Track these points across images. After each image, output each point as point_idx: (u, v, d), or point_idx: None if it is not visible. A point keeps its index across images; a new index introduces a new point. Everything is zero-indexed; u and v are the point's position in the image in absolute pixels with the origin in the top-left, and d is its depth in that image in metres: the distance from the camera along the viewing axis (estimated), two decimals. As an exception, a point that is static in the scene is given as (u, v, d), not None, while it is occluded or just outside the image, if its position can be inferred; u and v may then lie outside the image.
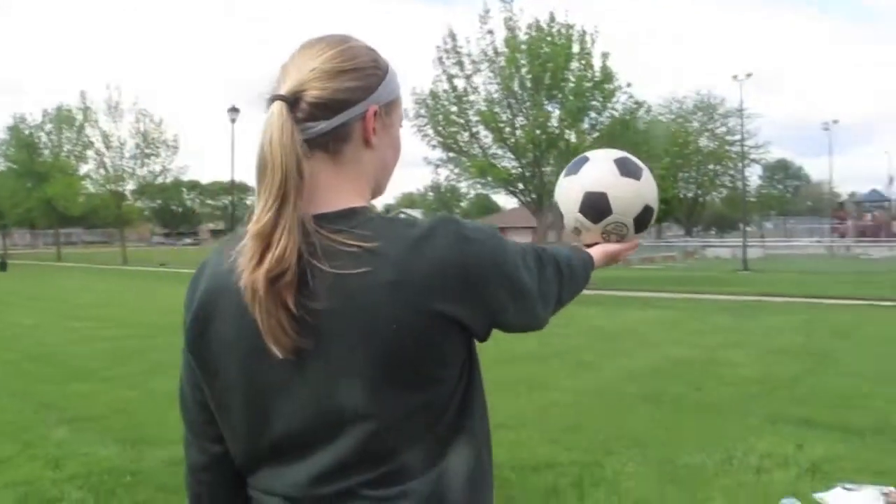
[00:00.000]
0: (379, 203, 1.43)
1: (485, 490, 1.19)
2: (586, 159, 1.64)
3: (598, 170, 1.61)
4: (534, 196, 23.06)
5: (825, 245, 46.82)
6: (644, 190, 1.60)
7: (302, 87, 1.10)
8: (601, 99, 21.60)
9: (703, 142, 54.01)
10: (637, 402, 7.00)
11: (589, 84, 21.32)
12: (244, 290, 1.04)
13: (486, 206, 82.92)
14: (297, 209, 1.05)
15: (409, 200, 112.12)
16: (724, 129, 53.71)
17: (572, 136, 21.74)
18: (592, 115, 21.53)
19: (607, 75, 21.64)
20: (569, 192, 1.63)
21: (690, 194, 56.97)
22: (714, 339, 11.10)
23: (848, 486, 4.66)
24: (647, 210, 1.60)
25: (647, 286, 21.62)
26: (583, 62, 21.25)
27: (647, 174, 1.63)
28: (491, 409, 1.22)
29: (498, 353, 8.15)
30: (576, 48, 21.12)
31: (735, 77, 35.79)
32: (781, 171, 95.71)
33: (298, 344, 1.04)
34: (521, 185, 23.27)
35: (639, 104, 22.39)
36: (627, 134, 21.79)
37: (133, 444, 5.65)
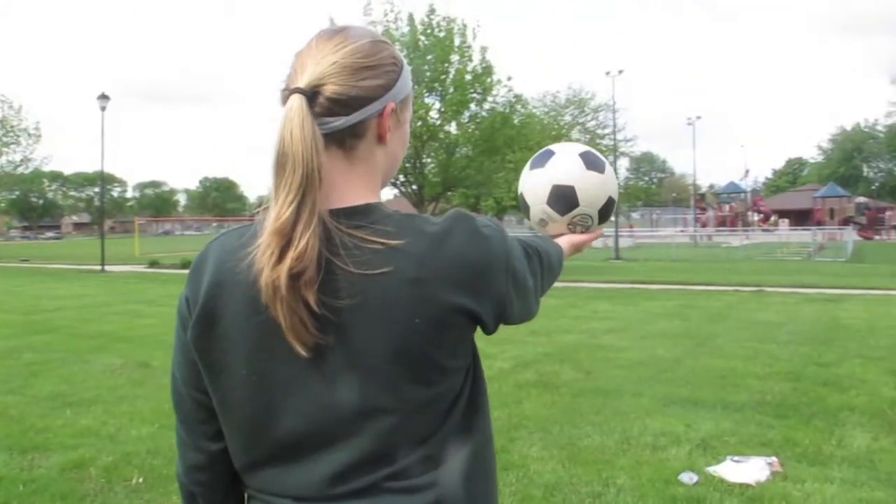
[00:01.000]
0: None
1: (493, 478, 1.23)
2: (552, 153, 1.69)
3: (566, 163, 1.66)
4: (414, 187, 23.16)
5: (689, 234, 49.16)
6: (608, 183, 1.68)
7: (321, 80, 1.08)
8: (481, 92, 21.90)
9: (575, 135, 55.61)
10: (533, 388, 7.18)
11: (469, 76, 21.57)
12: (263, 288, 1.03)
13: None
14: (316, 205, 1.04)
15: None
16: (594, 123, 55.49)
17: (452, 128, 21.96)
18: (473, 107, 21.77)
19: (486, 68, 21.97)
20: (536, 184, 1.67)
21: (563, 186, 58.59)
22: (597, 325, 11.49)
23: (736, 458, 4.99)
24: (610, 201, 1.67)
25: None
26: (464, 56, 21.48)
27: (608, 168, 1.70)
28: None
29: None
30: (457, 41, 21.33)
31: (608, 73, 37.05)
32: (647, 164, 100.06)
33: (320, 341, 1.04)
34: (401, 177, 23.33)
35: (518, 97, 22.90)
36: (506, 127, 22.19)
37: (22, 451, 5.33)
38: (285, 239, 1.02)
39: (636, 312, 13.20)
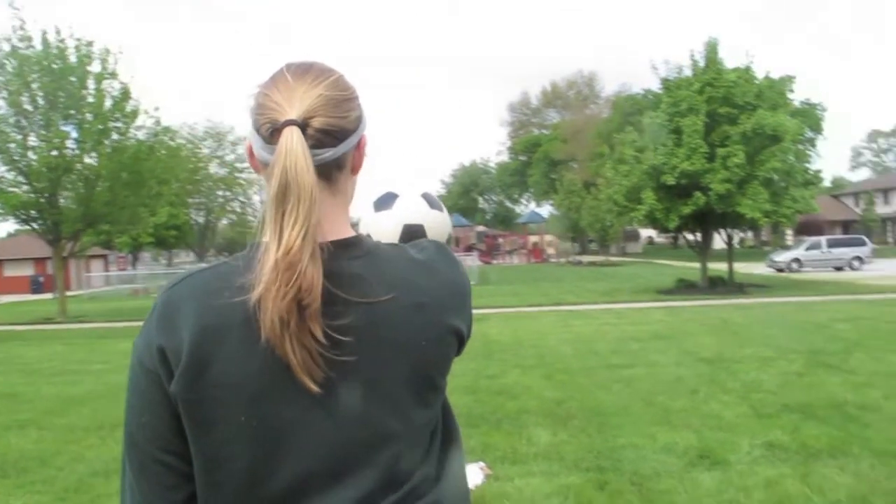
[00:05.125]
0: None
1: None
2: (395, 195, 1.86)
3: (412, 204, 1.85)
4: (50, 223, 21.06)
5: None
6: (448, 220, 1.92)
7: (311, 113, 1.08)
8: (123, 121, 20.65)
9: (214, 168, 54.73)
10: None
11: (109, 104, 20.23)
12: (268, 324, 1.00)
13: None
14: (317, 237, 1.03)
15: None
16: (233, 156, 55.10)
17: (93, 160, 20.41)
18: (115, 136, 20.42)
19: (125, 94, 20.74)
20: (386, 225, 1.82)
21: (201, 220, 57.16)
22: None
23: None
24: (450, 237, 1.90)
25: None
26: (102, 81, 20.06)
27: (443, 206, 1.94)
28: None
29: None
30: (97, 67, 19.90)
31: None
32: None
33: (329, 374, 1.03)
34: (33, 212, 21.07)
35: (166, 129, 21.92)
36: (152, 159, 21.19)
37: None
38: (294, 272, 1.00)
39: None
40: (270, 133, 1.08)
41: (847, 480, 4.86)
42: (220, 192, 56.60)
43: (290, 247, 1.00)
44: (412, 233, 1.78)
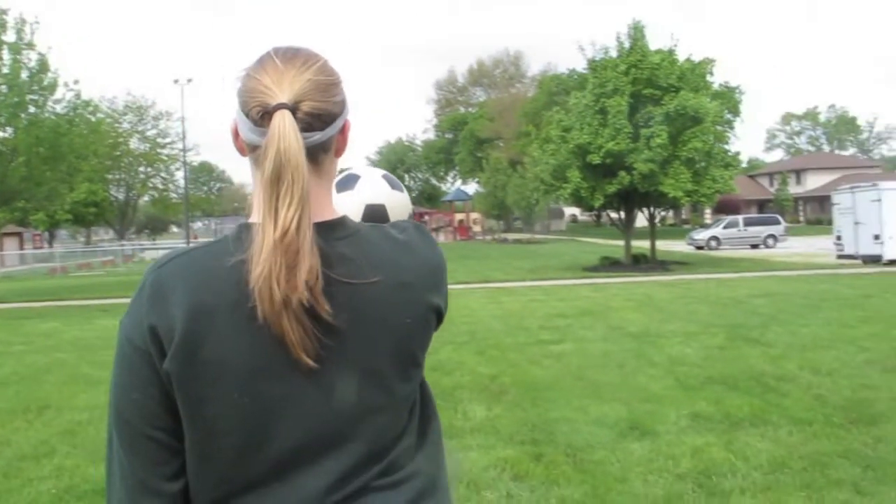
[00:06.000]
0: None
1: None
2: (357, 176, 1.90)
3: (374, 185, 1.89)
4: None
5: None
6: (408, 200, 1.97)
7: (300, 97, 1.10)
8: (41, 94, 19.89)
9: (134, 143, 53.21)
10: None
11: (26, 76, 19.46)
12: (268, 303, 1.03)
13: None
14: (310, 218, 1.07)
15: None
16: (155, 131, 53.62)
17: (8, 134, 19.63)
18: (32, 110, 19.65)
19: (43, 65, 19.98)
20: (348, 205, 1.84)
21: (122, 197, 55.62)
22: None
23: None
24: (410, 216, 1.96)
25: (103, 293, 20.84)
26: (18, 53, 19.26)
27: (403, 187, 2.00)
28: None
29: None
30: (12, 37, 19.08)
31: (176, 81, 36.04)
32: (206, 174, 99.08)
33: (321, 351, 1.07)
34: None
35: (87, 103, 21.19)
36: (72, 133, 20.48)
37: None
38: (293, 252, 1.03)
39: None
40: (260, 116, 1.10)
41: (767, 446, 5.13)
42: (141, 169, 55.09)
43: (286, 227, 1.03)
44: (374, 212, 1.82)
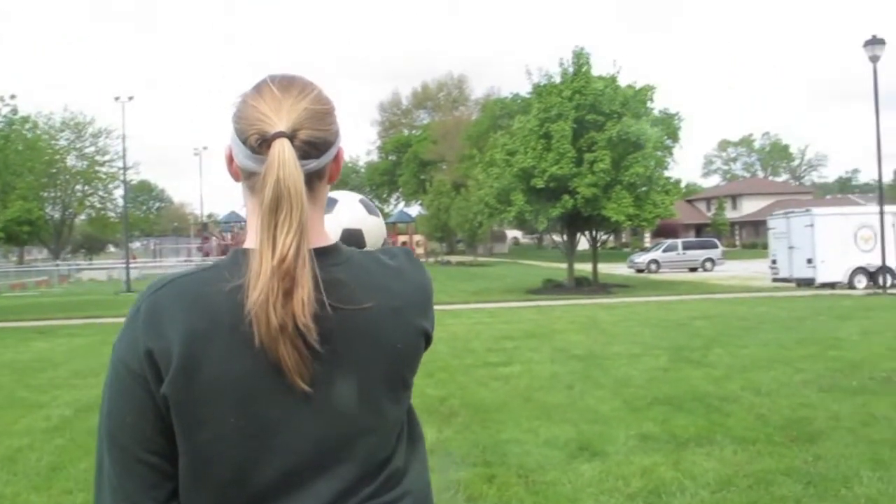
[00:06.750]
0: None
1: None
2: (335, 200, 1.92)
3: (351, 209, 1.92)
4: None
5: (194, 263, 49.20)
6: (383, 225, 2.01)
7: (297, 126, 1.12)
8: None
9: (72, 161, 51.93)
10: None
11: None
12: (265, 329, 1.04)
13: None
14: (308, 245, 1.09)
15: None
16: (93, 149, 52.41)
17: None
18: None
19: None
20: (327, 228, 1.91)
21: (58, 215, 54.14)
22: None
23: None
24: (385, 242, 2.00)
25: (39, 314, 20.21)
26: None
27: (379, 212, 2.04)
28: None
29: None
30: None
31: (117, 98, 35.28)
32: (145, 193, 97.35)
33: (316, 375, 1.09)
34: None
35: (25, 118, 20.68)
36: (7, 149, 19.97)
37: None
38: (290, 279, 1.05)
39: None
40: (259, 143, 1.12)
41: (714, 465, 5.26)
42: (78, 187, 53.72)
43: (284, 254, 1.05)
44: (350, 237, 1.84)
